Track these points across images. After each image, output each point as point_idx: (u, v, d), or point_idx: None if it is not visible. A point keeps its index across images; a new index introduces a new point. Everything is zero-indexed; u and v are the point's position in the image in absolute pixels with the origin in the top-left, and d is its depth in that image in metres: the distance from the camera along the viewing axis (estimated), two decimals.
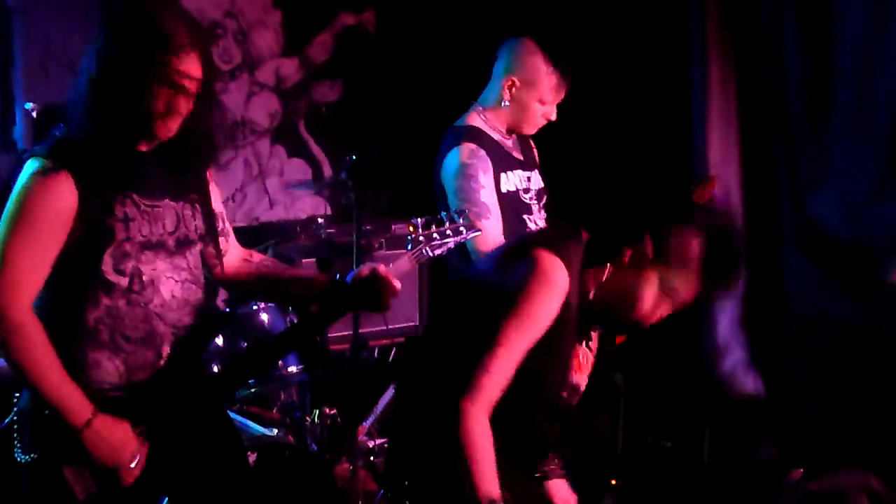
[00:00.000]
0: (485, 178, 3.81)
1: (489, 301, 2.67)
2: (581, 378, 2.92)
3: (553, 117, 3.99)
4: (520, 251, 2.72)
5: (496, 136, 3.94)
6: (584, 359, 2.89)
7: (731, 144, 5.00)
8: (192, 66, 2.69)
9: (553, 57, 3.89)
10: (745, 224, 4.93)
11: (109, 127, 2.68)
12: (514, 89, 3.90)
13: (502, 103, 3.92)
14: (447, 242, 3.00)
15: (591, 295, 2.73)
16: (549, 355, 2.68)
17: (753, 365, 5.03)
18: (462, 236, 3.01)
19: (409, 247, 2.98)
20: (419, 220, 2.99)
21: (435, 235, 2.98)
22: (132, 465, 2.74)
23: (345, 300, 2.96)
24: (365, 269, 2.95)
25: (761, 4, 4.80)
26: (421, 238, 2.97)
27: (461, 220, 2.99)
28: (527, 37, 3.94)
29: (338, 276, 3.00)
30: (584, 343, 2.87)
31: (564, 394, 2.88)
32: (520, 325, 2.61)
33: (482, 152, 3.84)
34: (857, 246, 4.56)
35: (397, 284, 2.94)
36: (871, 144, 4.49)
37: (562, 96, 3.96)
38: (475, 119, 3.95)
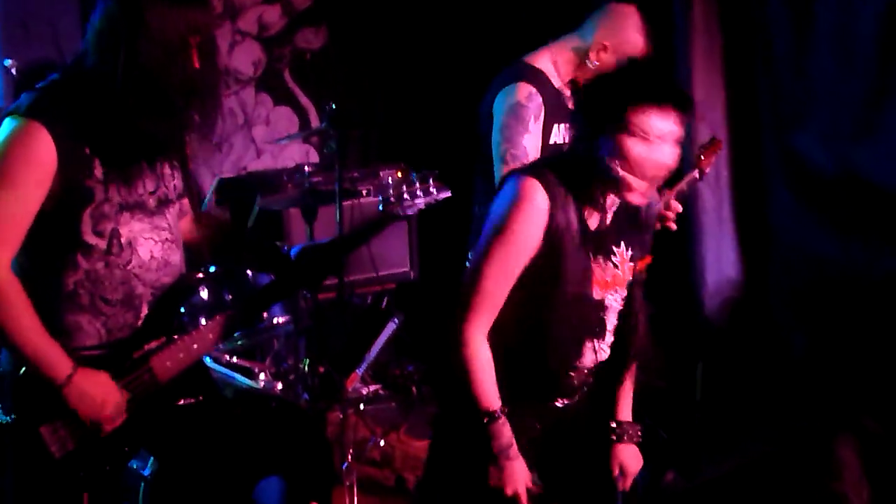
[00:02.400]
0: (534, 125, 3.71)
1: (482, 231, 2.82)
2: (610, 294, 2.91)
3: None
4: (504, 181, 2.83)
5: (557, 84, 3.83)
6: (610, 276, 2.89)
7: (715, 83, 4.97)
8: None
9: (649, 36, 3.81)
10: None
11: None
12: (602, 53, 3.81)
13: (589, 61, 3.82)
14: (417, 203, 3.10)
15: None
16: (554, 277, 2.78)
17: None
18: (432, 197, 3.09)
19: (381, 207, 3.08)
20: (390, 179, 3.08)
21: (405, 196, 3.08)
22: (115, 417, 2.77)
23: (286, 276, 3.09)
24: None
25: None
26: (392, 199, 3.06)
27: (431, 181, 3.05)
28: (634, 8, 3.81)
29: (285, 248, 3.13)
30: (604, 260, 2.88)
31: (597, 313, 2.90)
32: (502, 243, 2.73)
33: (539, 98, 3.73)
34: (843, 181, 4.56)
35: None
36: (855, 76, 4.46)
37: None
38: (545, 60, 3.82)
